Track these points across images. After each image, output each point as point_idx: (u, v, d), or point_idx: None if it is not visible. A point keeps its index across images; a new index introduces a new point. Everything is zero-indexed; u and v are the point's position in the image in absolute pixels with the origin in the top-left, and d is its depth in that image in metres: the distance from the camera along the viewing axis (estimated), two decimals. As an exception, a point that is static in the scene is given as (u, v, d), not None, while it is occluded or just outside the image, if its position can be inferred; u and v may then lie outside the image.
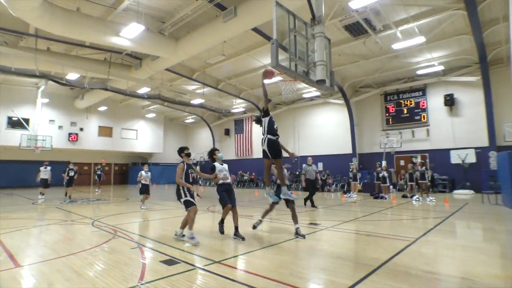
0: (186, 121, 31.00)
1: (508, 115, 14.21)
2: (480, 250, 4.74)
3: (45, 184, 12.49)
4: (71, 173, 12.96)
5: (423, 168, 12.20)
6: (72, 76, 16.18)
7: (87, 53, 15.58)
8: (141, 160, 28.90)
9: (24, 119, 20.46)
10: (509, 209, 9.20)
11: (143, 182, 10.58)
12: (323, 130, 20.98)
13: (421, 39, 12.27)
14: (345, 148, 19.32)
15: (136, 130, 27.12)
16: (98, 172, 17.67)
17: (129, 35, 11.70)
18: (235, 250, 4.80)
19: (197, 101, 20.79)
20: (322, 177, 17.73)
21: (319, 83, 4.86)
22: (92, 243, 5.21)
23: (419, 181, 12.22)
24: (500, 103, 14.59)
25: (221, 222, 5.96)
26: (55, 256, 4.42)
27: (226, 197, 5.69)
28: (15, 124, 20.39)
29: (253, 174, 23.44)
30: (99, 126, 24.75)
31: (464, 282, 3.25)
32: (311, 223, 7.10)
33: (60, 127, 22.34)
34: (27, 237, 5.98)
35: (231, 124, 27.28)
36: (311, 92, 19.78)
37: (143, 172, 10.74)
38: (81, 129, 23.45)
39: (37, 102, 20.01)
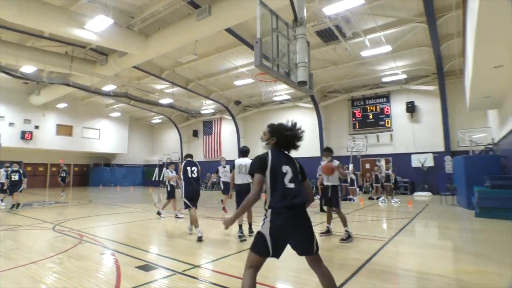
0: (153, 121, 29.95)
1: (461, 123, 15.41)
2: (448, 247, 5.02)
3: (1, 188, 11.11)
4: (15, 176, 10.74)
5: (389, 171, 12.83)
6: (28, 69, 14.91)
7: (46, 45, 14.43)
8: (103, 161, 27.38)
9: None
10: (464, 209, 9.94)
11: (171, 183, 9.00)
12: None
13: (387, 48, 12.95)
14: (313, 151, 19.77)
15: (99, 130, 25.62)
16: (62, 174, 16.26)
17: (95, 28, 11.04)
18: (213, 253, 4.65)
19: (165, 101, 20.17)
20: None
21: (300, 85, 4.89)
22: (55, 249, 4.77)
23: (384, 184, 12.82)
24: (455, 111, 15.80)
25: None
26: (12, 265, 3.96)
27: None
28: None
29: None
30: (58, 124, 23.01)
31: (442, 279, 3.41)
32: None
33: (11, 124, 20.42)
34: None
35: (199, 125, 26.82)
36: (281, 95, 20.05)
37: (169, 171, 9.26)
38: (37, 127, 21.64)
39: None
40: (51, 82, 14.91)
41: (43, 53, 14.41)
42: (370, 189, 15.20)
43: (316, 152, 19.62)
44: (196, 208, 5.91)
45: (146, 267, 3.79)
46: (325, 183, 6.04)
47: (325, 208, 6.66)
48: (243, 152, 6.31)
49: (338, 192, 5.89)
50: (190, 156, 6.46)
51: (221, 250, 4.78)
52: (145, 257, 4.31)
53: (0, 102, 19.88)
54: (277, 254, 2.25)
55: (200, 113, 23.63)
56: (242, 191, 5.81)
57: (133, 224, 7.52)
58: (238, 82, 18.34)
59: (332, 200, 5.88)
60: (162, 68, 17.81)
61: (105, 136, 25.98)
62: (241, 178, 5.97)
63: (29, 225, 7.10)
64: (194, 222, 5.76)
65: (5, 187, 10.98)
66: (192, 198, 5.91)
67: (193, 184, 5.99)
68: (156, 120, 29.23)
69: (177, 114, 26.38)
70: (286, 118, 16.11)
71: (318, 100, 19.53)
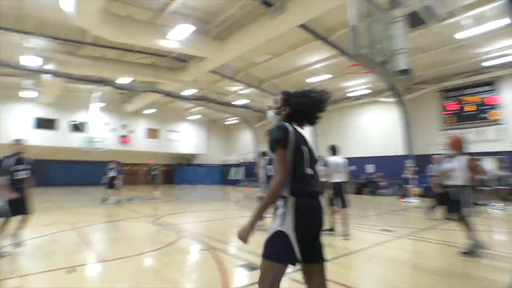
0: (227, 122, 31.28)
1: None
2: None
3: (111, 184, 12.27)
4: (112, 173, 11.95)
5: (501, 171, 10.73)
6: (124, 80, 16.94)
7: (136, 58, 16.21)
8: (185, 161, 29.67)
9: (82, 123, 22.12)
10: None
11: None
12: (372, 131, 19.90)
13: (502, 22, 10.78)
14: (395, 149, 18.08)
15: (180, 132, 27.96)
16: (153, 173, 18.00)
17: (177, 37, 11.90)
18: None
19: (240, 102, 20.79)
20: (374, 180, 16.76)
21: (400, 74, 4.33)
22: (160, 242, 5.15)
23: (497, 187, 10.73)
24: None
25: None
26: (131, 253, 4.39)
27: None
28: (76, 127, 22.23)
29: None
30: (147, 129, 25.85)
31: None
32: (383, 229, 6.48)
33: (113, 129, 23.72)
34: (100, 233, 6.18)
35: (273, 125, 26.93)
36: (358, 90, 18.88)
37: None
38: (131, 131, 24.66)
39: (91, 107, 21.31)
40: (143, 90, 16.61)
41: (134, 65, 16.21)
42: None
43: (398, 151, 17.91)
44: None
45: (248, 266, 3.76)
46: (453, 182, 4.62)
47: (447, 215, 4.94)
48: (334, 149, 6.27)
49: (470, 194, 4.49)
50: (265, 153, 6.58)
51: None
52: (245, 256, 4.32)
53: (105, 111, 23.08)
54: (300, 258, 1.73)
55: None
56: (337, 189, 5.87)
57: (224, 222, 7.79)
58: (311, 80, 17.86)
59: (460, 204, 4.43)
60: (236, 71, 18.38)
61: (186, 138, 28.18)
62: (339, 176, 5.98)
63: (134, 218, 7.94)
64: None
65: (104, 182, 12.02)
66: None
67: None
68: (231, 121, 30.44)
69: (251, 114, 27.04)
70: (364, 115, 14.84)
71: (402, 93, 17.76)
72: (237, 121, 30.09)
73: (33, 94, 19.92)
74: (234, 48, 13.22)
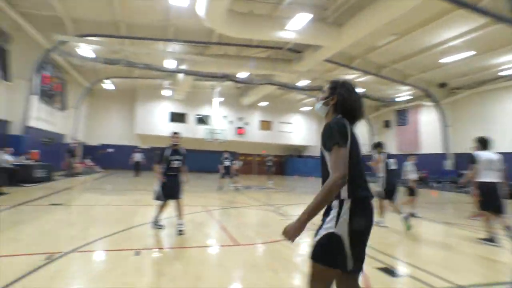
0: (340, 113, 29.94)
1: None
2: None
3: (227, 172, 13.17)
4: (227, 162, 12.65)
5: None
6: (242, 75, 18.08)
7: (254, 53, 17.00)
8: (296, 152, 29.99)
9: (205, 116, 25.00)
10: None
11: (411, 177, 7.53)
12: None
13: None
14: None
15: (292, 124, 28.36)
16: (268, 163, 18.87)
17: (295, 26, 11.80)
18: (471, 271, 3.59)
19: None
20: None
21: None
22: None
23: None
24: None
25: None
26: (263, 240, 4.50)
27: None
28: (200, 120, 25.36)
29: (424, 171, 19.62)
30: (260, 120, 27.21)
31: None
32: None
33: (230, 122, 25.92)
34: (228, 217, 6.68)
35: (391, 115, 24.36)
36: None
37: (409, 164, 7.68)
38: (246, 123, 26.42)
39: (213, 102, 23.71)
40: (260, 83, 17.37)
41: (251, 59, 17.05)
42: None
43: None
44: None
45: (388, 271, 3.31)
46: None
47: None
48: (485, 143, 5.10)
49: None
50: (381, 145, 6.42)
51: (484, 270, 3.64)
52: (383, 259, 3.85)
53: (224, 105, 25.39)
54: (352, 265, 1.59)
55: (395, 101, 21.37)
56: (490, 191, 4.84)
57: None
58: (445, 60, 15.13)
59: None
60: (352, 57, 17.19)
61: (297, 130, 28.44)
62: (490, 176, 4.86)
63: (255, 206, 8.32)
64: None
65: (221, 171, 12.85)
66: (390, 191, 6.01)
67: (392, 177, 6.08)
68: (343, 112, 29.02)
69: (366, 104, 25.09)
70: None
71: None
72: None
73: (169, 92, 23.55)
74: (353, 32, 12.29)
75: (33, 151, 13.15)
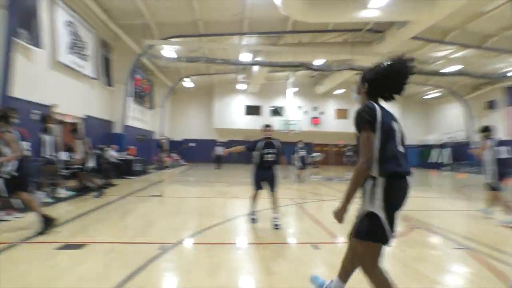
0: (427, 97, 26.69)
1: None
2: None
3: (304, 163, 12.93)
4: (302, 152, 12.20)
5: None
6: (318, 62, 17.35)
7: (329, 38, 16.10)
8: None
9: (280, 107, 24.95)
10: None
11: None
12: None
13: None
14: None
15: (370, 111, 26.38)
16: (348, 153, 17.97)
17: (379, 3, 10.69)
18: None
19: (451, 68, 16.99)
20: None
21: None
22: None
23: None
24: None
25: None
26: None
27: None
28: (275, 112, 25.48)
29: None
30: (336, 109, 26.00)
31: None
32: None
33: (305, 112, 25.38)
34: (318, 210, 6.40)
35: (497, 94, 20.62)
36: None
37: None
38: (322, 113, 25.52)
39: (287, 92, 23.41)
40: (338, 69, 16.50)
41: (327, 45, 16.20)
42: None
43: None
44: None
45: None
46: None
47: None
48: None
49: None
50: (489, 129, 5.55)
51: None
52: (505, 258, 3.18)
53: (298, 95, 24.92)
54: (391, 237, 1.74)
55: (505, 77, 17.97)
56: None
57: (452, 213, 6.39)
58: None
59: None
60: (445, 30, 14.92)
61: (377, 117, 26.31)
62: None
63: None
64: None
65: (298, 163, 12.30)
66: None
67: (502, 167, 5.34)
68: (432, 94, 25.78)
69: (461, 84, 21.79)
70: None
71: None
72: (440, 93, 25.14)
73: (244, 86, 24.06)
74: (448, 1, 10.55)
75: (131, 147, 14.92)
